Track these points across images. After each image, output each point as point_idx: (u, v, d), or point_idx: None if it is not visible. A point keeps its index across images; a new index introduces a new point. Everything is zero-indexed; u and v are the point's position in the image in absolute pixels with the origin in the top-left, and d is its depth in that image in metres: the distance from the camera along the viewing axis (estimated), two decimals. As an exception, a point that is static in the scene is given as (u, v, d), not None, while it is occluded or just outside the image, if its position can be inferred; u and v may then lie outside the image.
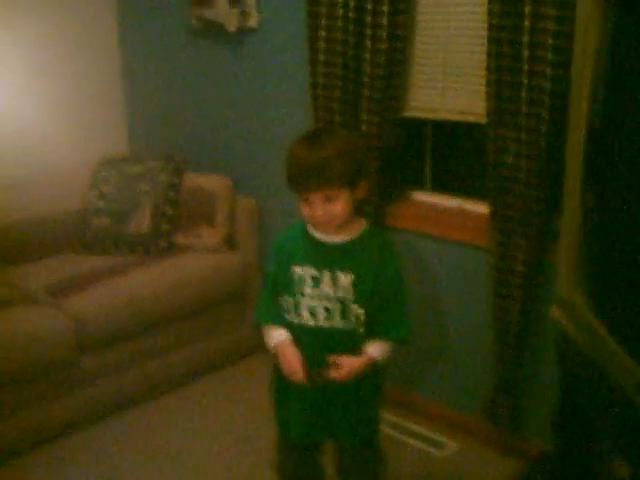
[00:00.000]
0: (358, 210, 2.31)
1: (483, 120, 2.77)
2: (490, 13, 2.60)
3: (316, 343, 2.31)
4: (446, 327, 3.18)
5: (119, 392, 3.34)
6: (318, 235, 2.31)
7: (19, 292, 3.31)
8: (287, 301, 2.33)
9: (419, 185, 3.30)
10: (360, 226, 2.33)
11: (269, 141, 3.66)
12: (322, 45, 3.07)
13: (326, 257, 2.30)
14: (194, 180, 3.80)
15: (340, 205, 2.21)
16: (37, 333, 3.05)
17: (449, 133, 3.21)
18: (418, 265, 3.18)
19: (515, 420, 2.95)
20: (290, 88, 3.48)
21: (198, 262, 3.60)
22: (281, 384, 2.39)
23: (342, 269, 2.27)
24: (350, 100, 3.06)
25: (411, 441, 3.14)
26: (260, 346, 2.55)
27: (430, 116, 3.09)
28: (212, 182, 3.76)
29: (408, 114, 3.12)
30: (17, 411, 3.04)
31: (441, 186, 3.27)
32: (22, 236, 3.69)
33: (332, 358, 2.27)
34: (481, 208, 3.03)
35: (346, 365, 2.27)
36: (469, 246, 2.99)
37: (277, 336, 2.36)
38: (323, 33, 3.06)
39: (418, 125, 3.21)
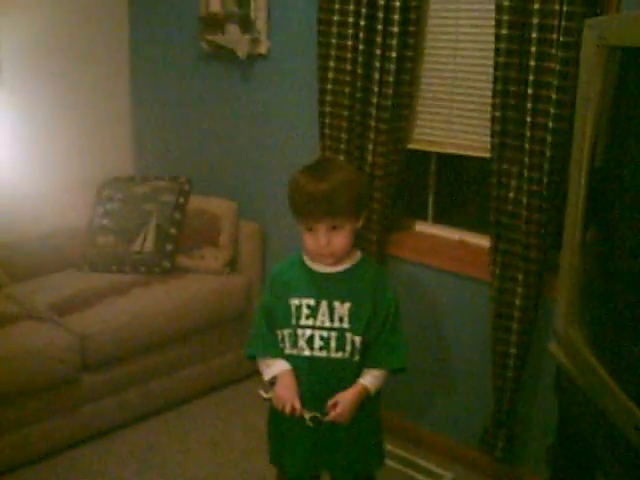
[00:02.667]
0: (357, 239, 2.34)
1: (487, 155, 2.80)
2: (497, 52, 2.65)
3: (312, 373, 2.31)
4: (445, 358, 3.19)
5: (120, 410, 3.35)
6: (314, 266, 2.33)
7: (24, 308, 3.33)
8: (283, 333, 2.33)
9: (421, 216, 3.33)
10: (355, 255, 2.36)
11: (275, 166, 3.70)
12: (331, 75, 3.12)
13: (323, 286, 2.31)
14: (199, 202, 3.84)
15: (344, 235, 2.24)
16: (41, 350, 3.06)
17: (453, 165, 3.25)
18: (417, 295, 3.20)
19: (512, 451, 2.96)
20: (298, 115, 3.52)
21: (201, 284, 3.62)
22: (278, 418, 2.37)
23: (339, 298, 2.28)
24: (357, 130, 3.10)
25: (408, 471, 3.13)
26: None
27: (434, 149, 3.13)
28: (217, 205, 3.80)
29: (413, 146, 3.15)
30: (19, 426, 3.05)
31: (443, 218, 3.29)
32: (27, 253, 3.71)
33: (328, 404, 2.26)
34: (482, 241, 3.06)
35: (342, 403, 2.26)
36: (469, 278, 3.01)
37: (278, 366, 2.34)
38: (332, 63, 3.11)
39: (423, 156, 3.24)
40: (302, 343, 2.30)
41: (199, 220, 3.79)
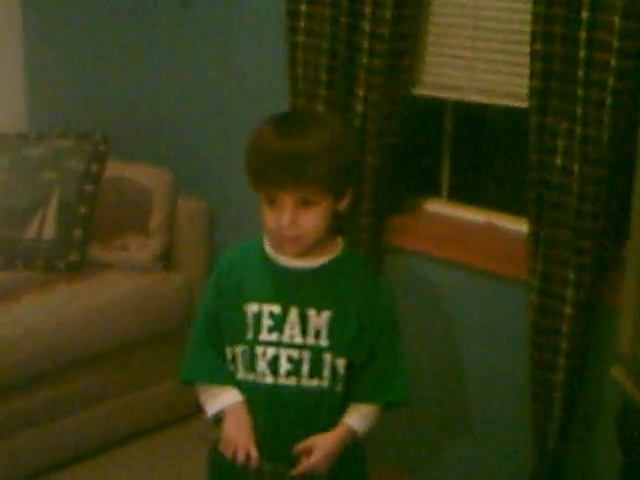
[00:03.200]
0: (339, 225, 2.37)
1: (524, 104, 2.80)
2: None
3: (275, 408, 2.32)
4: (466, 389, 3.20)
5: (10, 462, 3.34)
6: (281, 258, 2.34)
7: None
8: (235, 351, 2.35)
9: (433, 192, 3.34)
10: (336, 246, 2.39)
11: (226, 122, 3.71)
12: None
13: (292, 288, 2.33)
14: (120, 170, 3.84)
15: (318, 215, 2.25)
16: None
17: (476, 120, 3.26)
18: (426, 301, 3.21)
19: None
20: (258, 48, 3.53)
21: (122, 285, 3.63)
22: (225, 470, 2.38)
23: (315, 304, 2.30)
24: (342, 69, 3.10)
25: None
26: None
27: (451, 96, 3.14)
28: (145, 175, 3.80)
29: (420, 92, 3.15)
30: None
31: (463, 194, 3.30)
32: None
33: (297, 448, 2.27)
34: (517, 225, 3.07)
35: (318, 449, 2.27)
36: (498, 277, 3.01)
37: (227, 397, 2.36)
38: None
39: (434, 110, 3.24)
40: (262, 366, 2.31)
41: (120, 195, 3.80)
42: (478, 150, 3.34)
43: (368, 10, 2.98)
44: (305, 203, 2.21)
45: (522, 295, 2.91)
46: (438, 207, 3.32)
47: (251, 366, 2.32)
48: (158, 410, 3.72)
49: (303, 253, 2.30)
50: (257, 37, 3.52)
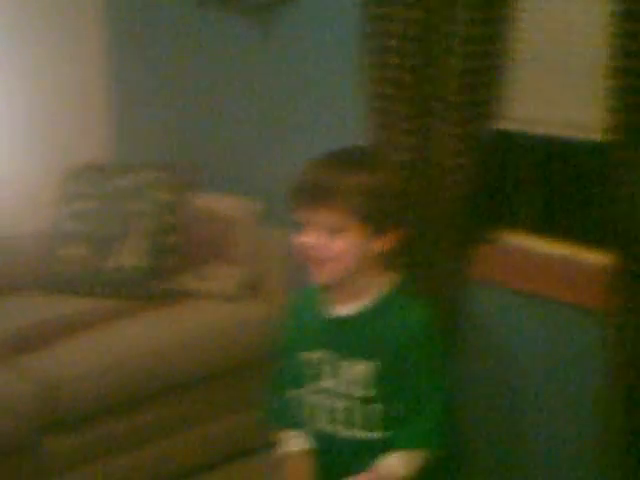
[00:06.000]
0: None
1: (605, 138, 2.73)
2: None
3: (322, 453, 2.41)
4: (530, 433, 3.11)
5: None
6: (327, 306, 2.38)
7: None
8: (297, 396, 2.44)
9: (512, 224, 3.29)
10: (384, 285, 2.37)
11: (308, 152, 3.65)
12: (382, 25, 3.10)
13: (336, 337, 2.36)
14: (205, 201, 3.87)
15: (342, 243, 2.25)
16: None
17: (558, 154, 3.19)
18: (501, 332, 3.16)
19: None
20: (338, 81, 3.51)
21: (207, 314, 3.65)
22: None
23: (358, 354, 2.31)
24: (420, 102, 3.08)
25: None
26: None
27: (530, 130, 3.08)
28: (230, 205, 3.83)
29: (499, 126, 3.11)
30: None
31: (542, 226, 3.25)
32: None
33: None
34: (598, 258, 2.99)
35: None
36: (580, 310, 2.94)
37: (288, 445, 2.46)
38: (384, 10, 3.08)
39: (512, 142, 3.20)
40: (321, 415, 2.38)
41: (205, 225, 3.83)
42: (559, 183, 3.31)
43: (458, 47, 2.96)
44: (332, 231, 2.23)
45: (597, 325, 2.83)
46: (517, 239, 3.26)
47: (310, 415, 2.40)
48: (240, 438, 3.70)
49: (329, 278, 2.30)
50: (336, 70, 3.51)
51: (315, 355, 2.36)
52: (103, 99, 4.44)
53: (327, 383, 2.35)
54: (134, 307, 3.62)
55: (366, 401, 2.31)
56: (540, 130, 3.08)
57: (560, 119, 3.00)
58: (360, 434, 2.34)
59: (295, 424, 2.44)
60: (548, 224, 3.25)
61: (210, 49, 3.99)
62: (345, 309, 2.34)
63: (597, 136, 2.86)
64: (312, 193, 2.24)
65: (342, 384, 2.33)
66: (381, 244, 2.30)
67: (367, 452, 2.34)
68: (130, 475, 3.44)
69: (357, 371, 2.30)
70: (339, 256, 2.25)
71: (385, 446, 2.32)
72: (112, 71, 4.42)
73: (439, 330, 2.43)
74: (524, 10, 3.02)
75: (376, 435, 2.33)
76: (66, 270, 3.77)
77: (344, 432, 2.35)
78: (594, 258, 3.04)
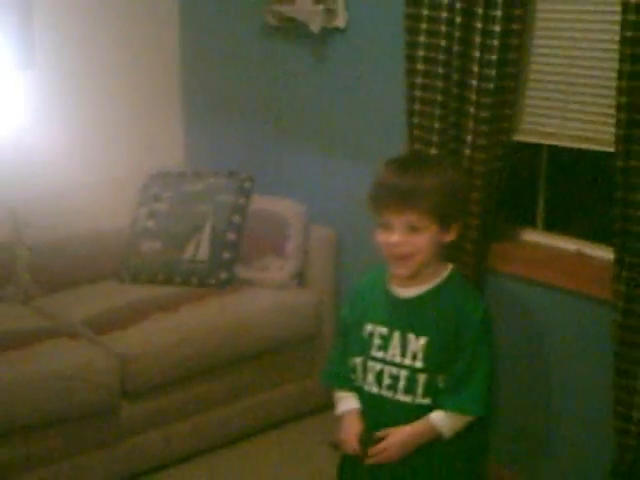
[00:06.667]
0: (448, 251, 2.40)
1: (610, 148, 2.78)
2: (624, 24, 2.61)
3: (376, 414, 2.43)
4: (554, 393, 3.15)
5: (166, 446, 3.44)
6: (393, 287, 2.40)
7: (55, 324, 3.45)
8: (355, 362, 2.46)
9: (530, 222, 3.33)
10: (441, 273, 2.41)
11: (352, 161, 3.73)
12: (421, 53, 3.14)
13: (397, 314, 2.40)
14: (262, 203, 3.93)
15: (422, 240, 2.30)
16: (74, 372, 3.14)
17: (568, 162, 3.24)
18: (522, 318, 3.19)
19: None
20: (381, 100, 3.57)
21: (263, 299, 3.70)
22: (349, 467, 2.48)
23: (413, 330, 2.36)
24: (452, 118, 3.12)
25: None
26: (332, 401, 2.65)
27: (546, 142, 3.13)
28: (283, 207, 3.88)
29: (520, 138, 3.15)
30: (47, 463, 3.15)
31: (556, 225, 3.29)
32: (60, 259, 3.84)
33: (376, 434, 2.36)
34: (605, 253, 3.04)
35: (392, 435, 2.35)
36: (587, 298, 2.98)
37: (344, 404, 2.50)
38: (423, 39, 3.12)
39: (531, 151, 3.24)
40: (370, 378, 2.42)
41: (262, 224, 3.89)
42: (570, 187, 3.33)
43: (476, 69, 3.00)
44: (412, 229, 2.27)
45: (606, 313, 2.86)
46: (534, 236, 3.31)
47: (363, 376, 2.41)
48: (289, 406, 3.77)
49: (412, 275, 2.34)
50: (379, 90, 3.56)
51: (377, 328, 2.39)
52: (178, 115, 4.48)
53: (384, 353, 2.38)
54: (202, 293, 3.69)
55: (415, 370, 2.34)
56: (552, 142, 3.12)
57: (570, 133, 3.04)
58: (404, 399, 2.36)
59: (349, 387, 2.49)
60: (561, 223, 3.30)
61: (271, 72, 4.07)
62: (408, 292, 2.39)
63: (601, 147, 2.93)
64: (397, 196, 2.28)
65: (400, 354, 2.36)
66: (448, 237, 2.37)
67: (409, 415, 2.37)
68: (195, 437, 3.53)
69: (414, 344, 2.34)
70: (420, 251, 2.31)
71: (424, 412, 2.37)
72: (186, 93, 4.46)
73: (487, 312, 2.48)
74: (539, 37, 3.06)
75: (418, 401, 2.36)
76: (144, 262, 3.85)
77: (391, 396, 2.37)
78: (601, 252, 3.10)
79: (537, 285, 3.13)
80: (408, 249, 2.30)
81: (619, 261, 2.78)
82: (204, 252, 3.77)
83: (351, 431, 2.44)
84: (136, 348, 3.31)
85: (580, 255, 3.18)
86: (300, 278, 3.85)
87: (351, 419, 2.47)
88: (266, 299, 3.70)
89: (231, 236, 3.82)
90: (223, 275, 3.77)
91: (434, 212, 2.29)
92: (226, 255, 3.79)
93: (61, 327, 3.43)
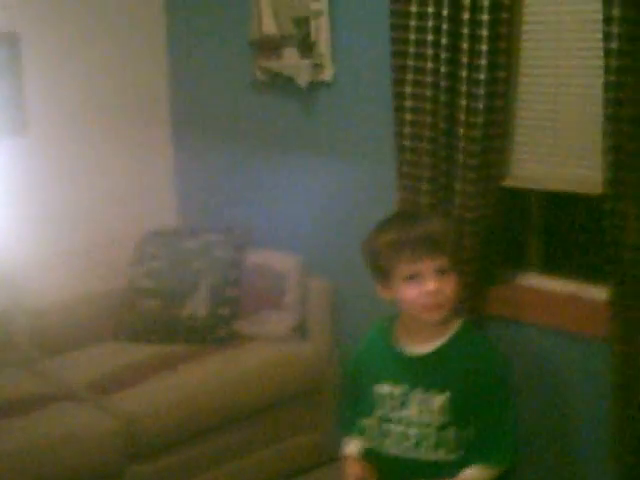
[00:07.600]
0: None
1: (598, 191, 2.80)
2: (607, 69, 2.65)
3: (399, 475, 2.38)
4: (551, 444, 3.14)
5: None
6: (401, 345, 2.38)
7: (57, 388, 3.45)
8: (366, 423, 2.39)
9: (523, 266, 3.33)
10: (453, 324, 2.40)
11: (345, 212, 3.75)
12: (408, 103, 3.16)
13: (412, 372, 2.36)
14: (258, 257, 3.93)
15: (454, 282, 2.31)
16: (78, 436, 3.15)
17: (560, 204, 3.26)
18: (523, 361, 3.17)
19: None
20: (370, 151, 3.58)
21: (263, 353, 3.71)
22: None
23: (436, 386, 2.32)
24: (442, 167, 3.14)
25: None
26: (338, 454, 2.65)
27: (535, 187, 3.14)
28: (280, 260, 3.87)
29: (509, 184, 3.16)
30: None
31: (550, 267, 3.28)
32: (60, 321, 3.86)
33: None
34: (600, 293, 3.02)
35: None
36: (585, 339, 2.99)
37: (347, 448, 2.49)
38: (409, 89, 3.15)
39: (522, 195, 3.25)
40: (389, 440, 2.37)
41: (259, 279, 3.90)
42: (562, 229, 3.34)
43: (462, 116, 3.03)
44: (442, 272, 2.27)
45: (601, 351, 2.87)
46: (528, 279, 3.29)
47: (379, 440, 2.38)
48: (297, 459, 3.74)
49: (442, 317, 2.31)
50: (367, 140, 3.59)
51: (393, 389, 2.35)
52: (170, 173, 4.48)
53: (404, 413, 2.34)
54: (202, 350, 3.70)
55: (440, 427, 2.31)
56: (541, 187, 3.15)
57: (557, 177, 3.07)
58: (432, 456, 2.33)
59: (354, 432, 2.47)
60: (555, 265, 3.30)
61: (261, 125, 4.08)
62: (423, 348, 2.36)
63: (588, 190, 2.94)
64: (424, 244, 2.27)
65: (423, 413, 2.32)
66: (461, 284, 2.38)
67: (434, 473, 2.33)
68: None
69: (436, 401, 2.31)
70: (451, 296, 2.31)
71: (450, 467, 2.33)
72: (178, 150, 4.47)
73: (506, 360, 2.48)
74: (525, 84, 3.09)
75: (447, 456, 2.32)
76: (143, 321, 3.86)
77: (414, 455, 2.34)
78: (596, 293, 3.09)
79: (532, 327, 3.14)
80: (443, 295, 2.28)
81: (613, 302, 2.80)
82: (203, 309, 3.79)
83: (349, 475, 2.43)
84: (140, 409, 3.31)
85: (576, 297, 3.15)
86: (300, 330, 3.84)
87: (352, 463, 2.45)
88: (267, 353, 3.71)
89: (229, 292, 3.84)
90: (222, 331, 3.78)
91: (456, 251, 2.33)
92: (225, 311, 3.81)
93: (64, 391, 3.43)
